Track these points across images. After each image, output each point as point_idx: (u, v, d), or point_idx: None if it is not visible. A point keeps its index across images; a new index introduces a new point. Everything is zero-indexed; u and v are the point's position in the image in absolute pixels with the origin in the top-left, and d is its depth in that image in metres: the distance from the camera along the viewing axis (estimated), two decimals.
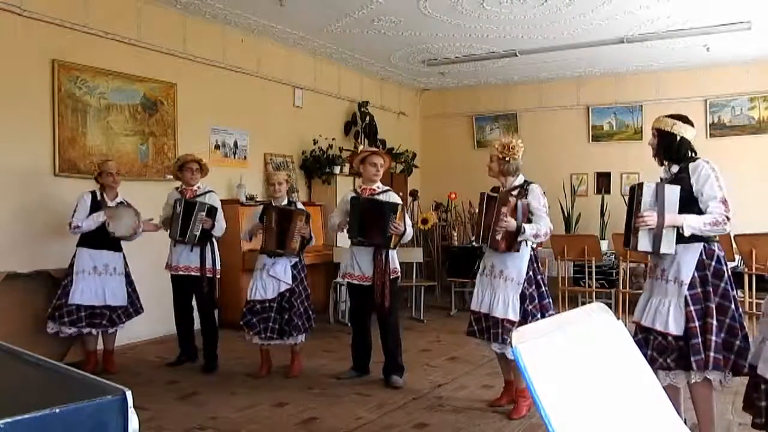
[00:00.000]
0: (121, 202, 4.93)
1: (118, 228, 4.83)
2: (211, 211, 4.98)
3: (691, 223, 3.07)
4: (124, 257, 5.01)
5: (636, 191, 3.27)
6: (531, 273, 3.94)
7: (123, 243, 4.99)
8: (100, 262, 4.84)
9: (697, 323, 3.07)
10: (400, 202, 4.63)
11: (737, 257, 5.91)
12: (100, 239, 4.81)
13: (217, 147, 6.85)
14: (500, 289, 3.92)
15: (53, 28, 5.31)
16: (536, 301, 3.93)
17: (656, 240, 3.14)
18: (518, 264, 3.92)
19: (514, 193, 3.94)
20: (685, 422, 2.65)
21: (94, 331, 4.88)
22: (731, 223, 3.11)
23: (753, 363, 2.82)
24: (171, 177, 6.15)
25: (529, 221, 3.86)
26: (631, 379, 1.55)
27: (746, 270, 5.34)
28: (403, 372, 4.70)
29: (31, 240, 5.17)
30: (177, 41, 6.34)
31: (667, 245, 3.14)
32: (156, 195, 5.44)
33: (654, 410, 1.53)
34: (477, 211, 4.11)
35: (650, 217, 3.12)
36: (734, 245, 5.47)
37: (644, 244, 3.19)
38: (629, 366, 1.58)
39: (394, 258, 4.73)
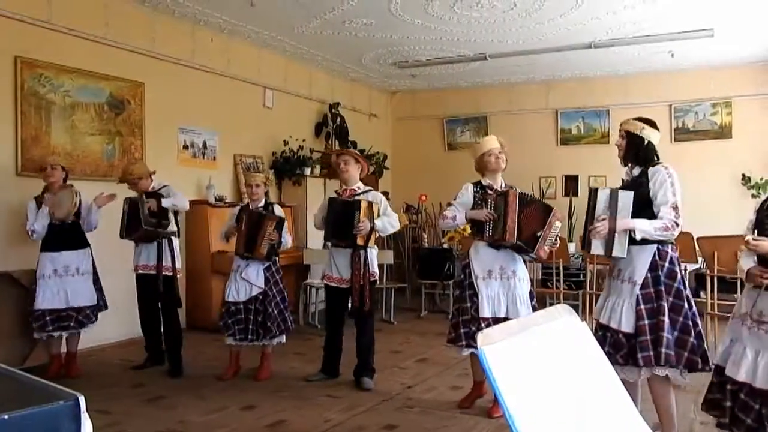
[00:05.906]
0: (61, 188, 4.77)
1: (61, 211, 4.68)
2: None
3: (642, 228, 3.19)
4: (91, 254, 4.91)
5: (592, 196, 3.37)
6: None
7: (89, 237, 4.89)
8: (61, 264, 4.74)
9: (646, 321, 3.18)
10: (376, 201, 4.61)
11: (700, 259, 6.03)
12: (59, 241, 4.72)
13: (185, 147, 6.75)
14: (518, 290, 3.93)
15: (16, 24, 5.18)
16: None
17: (608, 244, 3.27)
18: (522, 262, 4.05)
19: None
20: None
21: (64, 334, 4.80)
22: (680, 228, 3.22)
23: (719, 363, 2.87)
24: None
25: None
26: (595, 379, 1.57)
27: (708, 272, 5.45)
28: (373, 374, 4.69)
29: None
30: (145, 39, 6.24)
31: (619, 249, 3.26)
32: (122, 195, 5.33)
33: (617, 410, 1.55)
34: (492, 207, 3.90)
35: (602, 227, 3.23)
36: (697, 247, 5.58)
37: (596, 247, 3.32)
38: (593, 367, 1.60)
39: (373, 261, 4.72)
